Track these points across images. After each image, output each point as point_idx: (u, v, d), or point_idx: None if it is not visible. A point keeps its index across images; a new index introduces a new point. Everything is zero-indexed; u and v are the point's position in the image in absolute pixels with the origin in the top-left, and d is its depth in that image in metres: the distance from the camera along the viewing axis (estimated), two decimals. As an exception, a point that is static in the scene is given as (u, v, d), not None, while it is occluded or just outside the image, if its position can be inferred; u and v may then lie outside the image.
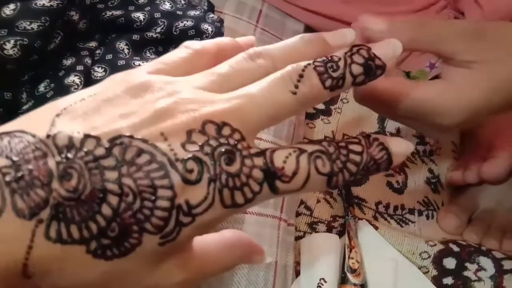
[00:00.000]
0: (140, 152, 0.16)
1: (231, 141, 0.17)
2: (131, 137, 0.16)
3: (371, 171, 0.20)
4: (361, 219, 0.43)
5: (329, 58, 0.20)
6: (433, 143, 0.52)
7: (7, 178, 0.14)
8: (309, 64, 0.20)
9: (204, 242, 0.20)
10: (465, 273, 0.39)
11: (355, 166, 0.19)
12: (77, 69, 0.35)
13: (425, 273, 0.39)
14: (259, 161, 0.18)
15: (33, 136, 0.15)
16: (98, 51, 0.39)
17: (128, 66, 0.37)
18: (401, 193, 0.46)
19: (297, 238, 0.42)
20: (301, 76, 0.19)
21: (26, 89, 0.34)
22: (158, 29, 0.41)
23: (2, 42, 0.32)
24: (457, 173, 0.45)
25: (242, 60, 0.20)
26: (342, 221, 0.43)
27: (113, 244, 0.15)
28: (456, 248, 0.40)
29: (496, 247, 0.41)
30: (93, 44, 0.39)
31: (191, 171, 0.16)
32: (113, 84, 0.18)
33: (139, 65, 0.38)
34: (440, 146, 0.53)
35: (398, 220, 0.44)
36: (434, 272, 0.39)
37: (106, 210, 0.15)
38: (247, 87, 0.19)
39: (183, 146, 0.17)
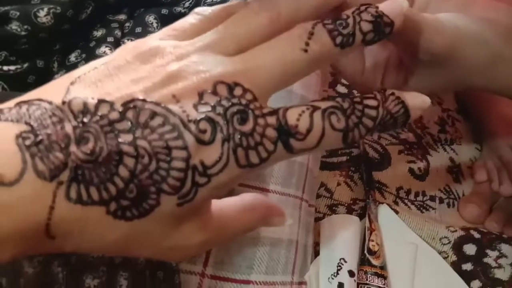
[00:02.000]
0: (153, 114, 0.16)
1: (243, 101, 0.17)
2: (143, 100, 0.16)
3: (388, 126, 0.19)
4: (382, 203, 0.43)
5: (337, 17, 0.20)
6: (453, 131, 0.52)
7: (27, 142, 0.15)
8: (318, 22, 0.19)
9: (223, 204, 0.20)
10: (485, 260, 0.39)
11: (371, 121, 0.19)
12: (108, 40, 0.35)
13: (444, 258, 0.39)
14: (272, 119, 0.17)
15: (50, 103, 0.16)
16: (127, 24, 0.39)
17: (157, 39, 0.37)
18: (422, 180, 0.46)
19: (317, 220, 0.42)
20: (311, 33, 0.19)
21: (57, 59, 0.34)
22: (187, 4, 0.40)
23: (35, 9, 0.32)
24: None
25: (247, 13, 0.20)
26: (362, 204, 0.43)
27: (132, 205, 0.16)
28: (477, 235, 0.40)
29: None
30: (122, 17, 0.39)
31: (204, 131, 0.16)
32: (124, 52, 0.18)
33: (168, 39, 0.38)
34: (461, 135, 0.53)
35: (418, 206, 0.44)
36: (454, 258, 0.39)
37: (123, 171, 0.15)
38: (257, 48, 0.19)
39: (195, 107, 0.17)
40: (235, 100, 0.17)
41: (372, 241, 0.38)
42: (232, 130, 0.17)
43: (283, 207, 0.38)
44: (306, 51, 0.19)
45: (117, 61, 0.18)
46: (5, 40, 0.31)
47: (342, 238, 0.38)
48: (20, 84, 0.31)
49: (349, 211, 0.43)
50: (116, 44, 0.36)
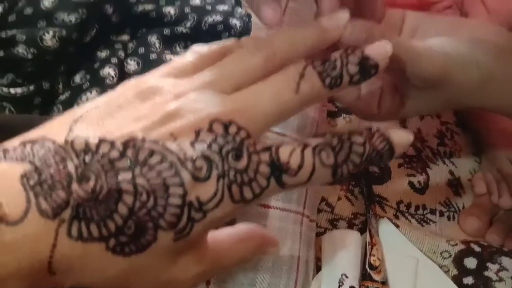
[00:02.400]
0: (151, 153, 0.17)
1: (238, 139, 0.18)
2: (143, 139, 0.17)
3: (374, 162, 0.20)
4: (382, 217, 0.43)
5: (326, 59, 0.21)
6: (452, 144, 0.53)
7: (31, 182, 0.15)
8: (308, 64, 0.21)
9: (219, 236, 0.20)
10: (486, 273, 0.39)
11: (359, 157, 0.20)
12: (112, 61, 0.36)
13: (445, 272, 0.40)
14: (265, 156, 0.18)
15: (53, 142, 0.16)
16: (130, 45, 0.40)
17: (160, 60, 0.38)
18: (422, 193, 0.46)
19: (318, 234, 0.42)
20: (302, 75, 0.20)
21: (62, 80, 0.35)
22: (188, 24, 0.41)
23: (41, 33, 0.33)
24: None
25: (244, 52, 0.21)
26: (363, 219, 0.43)
27: (131, 241, 0.16)
28: (477, 248, 0.40)
29: None
30: (125, 37, 0.40)
31: (200, 168, 0.17)
32: (124, 90, 0.19)
33: (171, 59, 0.39)
34: (460, 148, 0.53)
35: (419, 220, 0.44)
36: (455, 272, 0.40)
37: (122, 208, 0.16)
38: (252, 87, 0.20)
39: (192, 145, 0.17)
40: (230, 138, 0.18)
41: (373, 255, 0.39)
42: (227, 167, 0.17)
43: (284, 222, 0.38)
44: (297, 91, 0.20)
45: (119, 100, 0.18)
46: (12, 63, 0.32)
47: (343, 254, 0.38)
48: (27, 106, 0.32)
49: (350, 225, 0.43)
50: (120, 64, 0.36)
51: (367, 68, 0.21)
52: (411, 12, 0.29)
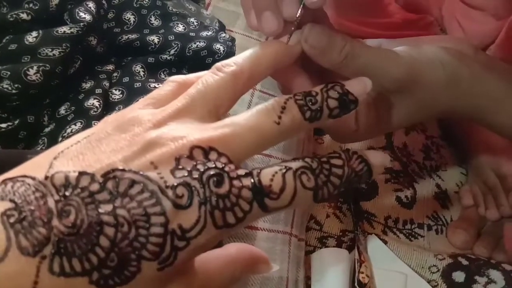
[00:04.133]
0: (132, 183, 0.17)
1: (219, 164, 0.18)
2: (123, 170, 0.17)
3: (353, 183, 0.21)
4: (371, 233, 0.43)
5: (308, 93, 0.22)
6: (438, 158, 0.54)
7: (11, 220, 0.16)
8: (290, 98, 0.21)
9: (206, 259, 0.20)
10: (475, 286, 0.39)
11: (338, 179, 0.20)
12: (96, 92, 0.37)
13: (434, 287, 0.40)
14: (247, 181, 0.18)
15: (33, 179, 0.17)
16: (115, 74, 0.40)
17: (144, 88, 0.39)
18: (410, 208, 0.47)
19: (307, 253, 0.43)
20: (283, 108, 0.21)
21: (47, 112, 0.36)
22: (172, 51, 0.42)
23: (25, 68, 0.33)
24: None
25: (212, 74, 0.21)
26: (352, 236, 0.43)
27: (114, 273, 0.16)
28: (465, 262, 0.41)
29: (506, 260, 0.42)
30: (110, 67, 0.41)
31: (181, 196, 0.17)
32: (105, 125, 0.19)
33: (155, 87, 0.40)
34: (446, 161, 0.54)
35: (407, 234, 0.45)
36: (444, 286, 0.40)
37: (104, 241, 0.16)
38: (233, 117, 0.20)
39: (172, 172, 0.17)
40: (210, 164, 0.18)
41: (362, 273, 0.39)
42: (208, 193, 0.17)
43: (272, 243, 0.39)
44: (278, 123, 0.20)
45: (99, 134, 0.19)
46: (-3, 99, 0.33)
47: (332, 273, 0.39)
48: (12, 140, 0.33)
49: (339, 243, 0.43)
50: (105, 95, 0.37)
51: (346, 103, 0.22)
52: (370, 40, 0.30)
